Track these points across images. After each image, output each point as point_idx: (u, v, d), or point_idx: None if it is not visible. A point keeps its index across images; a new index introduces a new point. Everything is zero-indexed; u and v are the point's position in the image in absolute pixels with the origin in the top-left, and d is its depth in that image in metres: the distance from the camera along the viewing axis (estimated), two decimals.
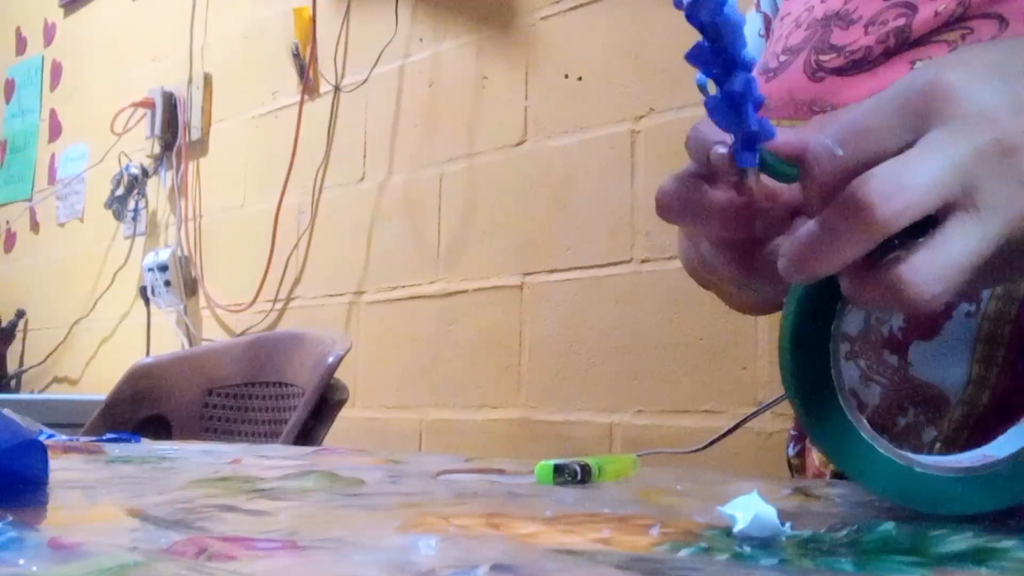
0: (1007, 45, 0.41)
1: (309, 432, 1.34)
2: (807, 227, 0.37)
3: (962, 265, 0.35)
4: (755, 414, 0.93)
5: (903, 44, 0.59)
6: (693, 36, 0.41)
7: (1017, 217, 0.36)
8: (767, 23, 0.79)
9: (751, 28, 0.81)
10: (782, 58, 0.67)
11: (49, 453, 0.50)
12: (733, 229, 0.42)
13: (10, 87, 3.43)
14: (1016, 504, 0.40)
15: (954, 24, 0.57)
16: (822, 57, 0.63)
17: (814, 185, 0.37)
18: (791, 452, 0.74)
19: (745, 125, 0.39)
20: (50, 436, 0.88)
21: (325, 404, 1.37)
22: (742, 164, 0.39)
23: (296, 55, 2.22)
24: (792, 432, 0.76)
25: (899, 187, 0.35)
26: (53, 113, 3.20)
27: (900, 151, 0.36)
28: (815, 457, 0.68)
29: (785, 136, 0.39)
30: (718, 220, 0.42)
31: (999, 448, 0.41)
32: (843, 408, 0.40)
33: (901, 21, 0.59)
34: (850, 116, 0.38)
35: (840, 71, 0.62)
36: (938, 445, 0.58)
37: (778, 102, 0.64)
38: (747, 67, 0.39)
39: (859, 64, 0.61)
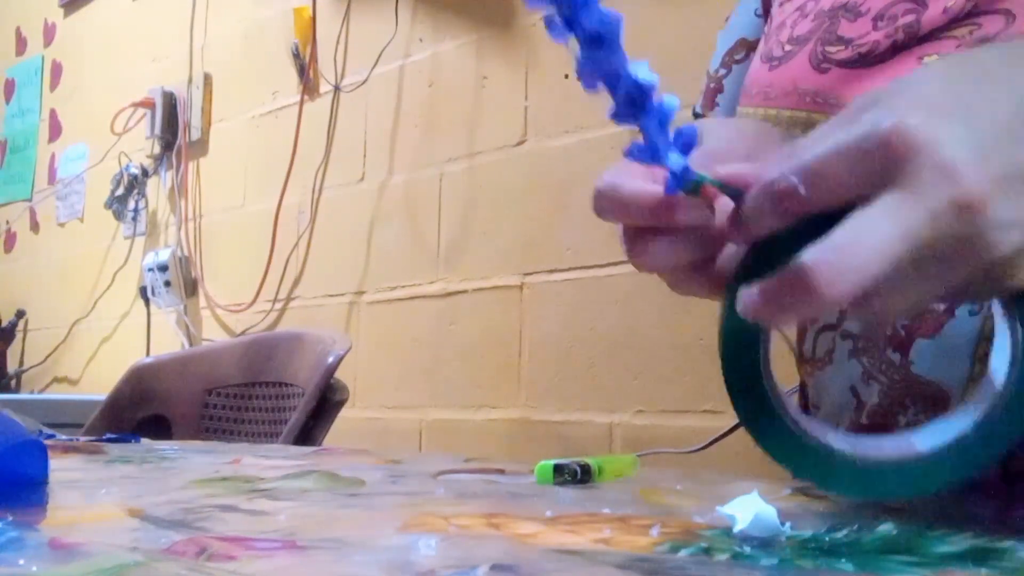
0: (975, 61, 0.41)
1: (309, 432, 1.34)
2: (761, 287, 0.37)
3: (880, 256, 0.36)
4: None
5: (912, 39, 0.59)
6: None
7: (970, 259, 0.37)
8: (765, 4, 0.78)
9: (748, 6, 0.80)
10: (787, 47, 0.67)
11: (49, 453, 0.50)
12: (692, 253, 0.43)
13: (10, 87, 3.43)
14: (929, 493, 0.42)
15: (963, 20, 0.57)
16: (829, 49, 0.63)
17: (773, 212, 0.38)
18: None
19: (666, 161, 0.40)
20: (50, 436, 0.88)
21: (325, 404, 1.37)
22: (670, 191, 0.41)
23: (296, 55, 2.22)
24: None
25: (845, 270, 0.35)
26: (53, 113, 3.20)
27: (858, 198, 0.37)
28: None
29: (735, 168, 0.40)
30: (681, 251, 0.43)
31: (923, 438, 0.42)
32: (770, 398, 0.42)
33: (911, 17, 0.59)
34: (813, 154, 0.38)
35: (846, 64, 0.61)
36: None
37: (781, 92, 0.64)
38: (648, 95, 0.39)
39: (866, 58, 0.60)
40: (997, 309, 0.42)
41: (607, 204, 0.44)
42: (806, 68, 0.63)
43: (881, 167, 0.37)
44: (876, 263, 0.36)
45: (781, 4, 0.72)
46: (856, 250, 0.36)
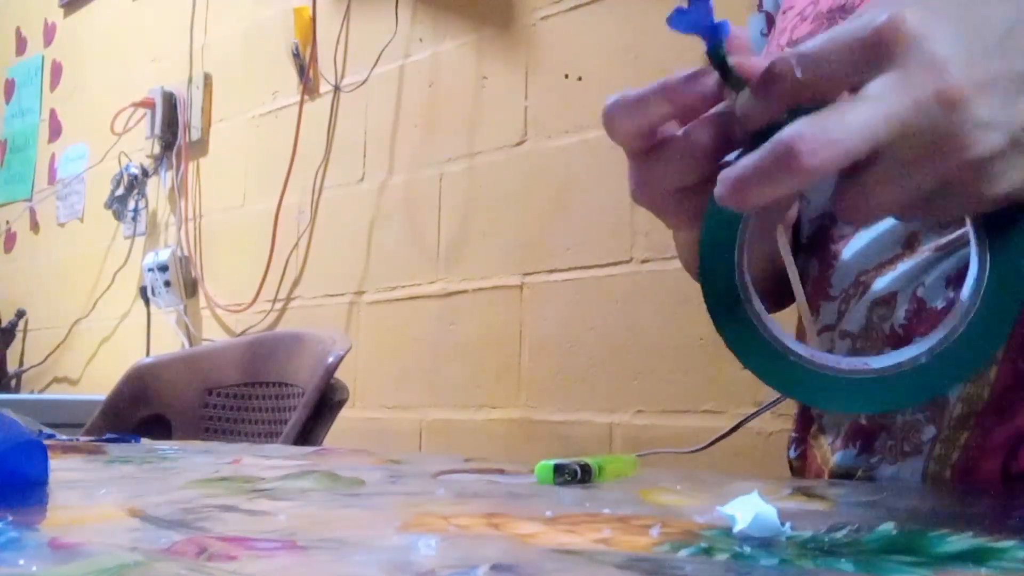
0: None
1: (309, 432, 1.34)
2: (743, 162, 0.38)
3: (861, 132, 0.37)
4: (755, 414, 0.93)
5: None
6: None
7: (939, 155, 0.38)
8: (769, 22, 0.79)
9: (755, 27, 0.81)
10: (786, 50, 0.67)
11: (49, 453, 0.50)
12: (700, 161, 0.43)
13: (10, 87, 3.43)
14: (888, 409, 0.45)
15: None
16: None
17: (769, 97, 0.39)
18: (792, 454, 0.74)
19: (709, 22, 0.41)
20: (50, 436, 0.88)
21: (325, 404, 1.37)
22: (711, 44, 0.42)
23: (296, 55, 2.22)
24: (793, 434, 0.76)
25: (828, 141, 0.37)
26: (53, 113, 3.20)
27: (851, 85, 0.38)
28: (816, 456, 0.68)
29: (742, 57, 0.42)
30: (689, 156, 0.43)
31: (881, 360, 0.44)
32: (747, 311, 0.44)
33: None
34: (812, 44, 0.39)
35: None
36: (938, 444, 0.58)
37: None
38: None
39: None
40: (970, 233, 0.43)
41: (619, 110, 0.44)
42: None
43: (874, 55, 0.38)
44: (857, 137, 0.37)
45: (784, 12, 0.72)
46: (839, 125, 0.37)
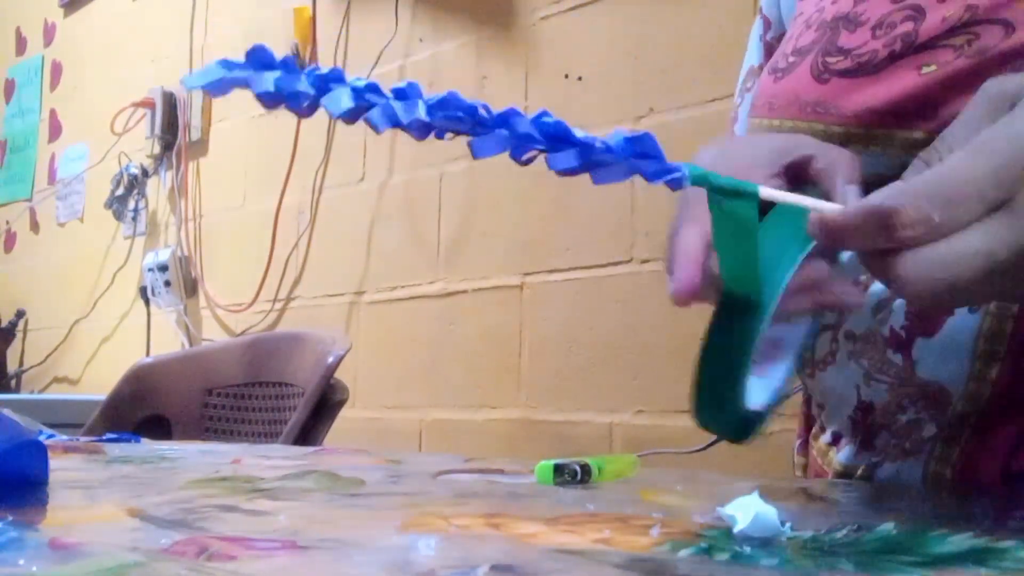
0: None
1: (309, 432, 1.34)
2: (849, 211, 0.38)
3: (971, 265, 0.37)
4: None
5: (908, 48, 0.59)
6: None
7: None
8: (767, 26, 0.80)
9: (756, 33, 0.82)
10: (791, 59, 0.67)
11: (49, 453, 0.50)
12: None
13: (10, 87, 3.43)
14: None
15: (960, 30, 0.57)
16: (829, 59, 0.64)
17: (892, 239, 0.38)
18: (797, 455, 0.75)
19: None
20: (50, 436, 0.88)
21: (325, 404, 1.37)
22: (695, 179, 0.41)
23: (296, 55, 2.22)
24: (798, 436, 0.76)
25: (926, 287, 0.37)
26: (53, 113, 3.20)
27: (979, 219, 0.37)
28: (817, 456, 0.68)
29: (859, 200, 0.40)
30: None
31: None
32: (737, 404, 0.45)
33: (908, 26, 0.59)
34: (946, 182, 0.38)
35: (845, 74, 0.62)
36: (939, 443, 0.58)
37: (784, 102, 0.64)
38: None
39: (864, 67, 0.61)
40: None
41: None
42: (807, 78, 0.64)
43: (1015, 182, 0.37)
44: (955, 283, 0.37)
45: (795, 18, 0.73)
46: (945, 268, 0.37)
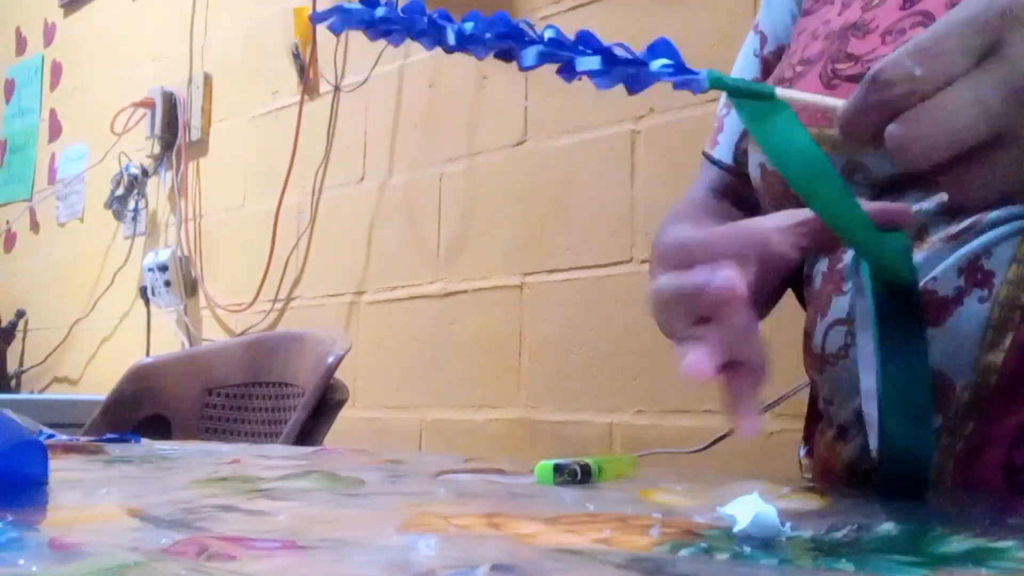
0: None
1: (309, 432, 1.34)
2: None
3: (964, 114, 0.38)
4: None
5: None
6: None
7: None
8: (763, 42, 0.80)
9: (748, 48, 0.82)
10: (798, 68, 0.68)
11: (49, 453, 0.50)
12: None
13: (10, 87, 3.43)
14: None
15: None
16: (838, 66, 0.64)
17: (884, 103, 0.39)
18: (802, 454, 0.75)
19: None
20: (50, 436, 0.88)
21: (325, 404, 1.37)
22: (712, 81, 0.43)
23: (296, 55, 2.22)
24: (803, 435, 0.76)
25: (926, 145, 0.38)
26: (53, 113, 3.20)
27: (967, 70, 0.38)
28: (824, 451, 0.68)
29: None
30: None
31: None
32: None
33: (918, 31, 0.59)
34: (924, 38, 0.39)
35: (856, 79, 0.62)
36: (943, 434, 0.58)
37: (793, 109, 0.65)
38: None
39: None
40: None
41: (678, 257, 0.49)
42: (816, 85, 0.64)
43: (993, 35, 0.38)
44: (949, 142, 0.38)
45: (799, 34, 0.73)
46: (937, 128, 0.38)
